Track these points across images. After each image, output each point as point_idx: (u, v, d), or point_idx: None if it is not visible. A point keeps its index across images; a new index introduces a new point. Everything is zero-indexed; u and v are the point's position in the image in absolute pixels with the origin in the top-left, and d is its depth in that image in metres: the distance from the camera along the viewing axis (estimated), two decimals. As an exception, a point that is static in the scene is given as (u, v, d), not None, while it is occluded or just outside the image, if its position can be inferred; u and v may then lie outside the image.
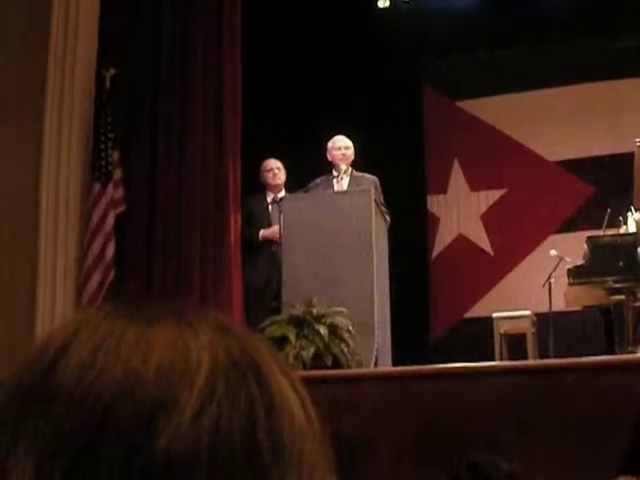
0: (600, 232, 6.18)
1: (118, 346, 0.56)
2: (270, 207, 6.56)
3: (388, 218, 6.08)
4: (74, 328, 0.58)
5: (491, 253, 8.83)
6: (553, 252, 6.91)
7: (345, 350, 5.04)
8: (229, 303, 6.27)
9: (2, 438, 0.54)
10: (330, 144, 6.47)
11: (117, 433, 0.53)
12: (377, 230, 5.68)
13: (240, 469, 0.54)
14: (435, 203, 9.06)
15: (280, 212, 6.03)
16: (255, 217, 6.57)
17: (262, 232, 6.47)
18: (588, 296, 6.19)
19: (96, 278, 5.69)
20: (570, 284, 6.03)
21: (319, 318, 5.10)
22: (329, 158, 6.45)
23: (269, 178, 6.66)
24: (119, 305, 0.61)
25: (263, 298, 6.24)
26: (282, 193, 6.56)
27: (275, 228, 6.34)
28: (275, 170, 6.65)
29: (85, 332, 0.57)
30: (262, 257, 6.42)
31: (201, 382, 0.55)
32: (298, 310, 5.16)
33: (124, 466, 0.52)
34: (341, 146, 6.41)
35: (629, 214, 6.14)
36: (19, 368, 0.57)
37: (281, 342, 4.98)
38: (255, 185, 6.74)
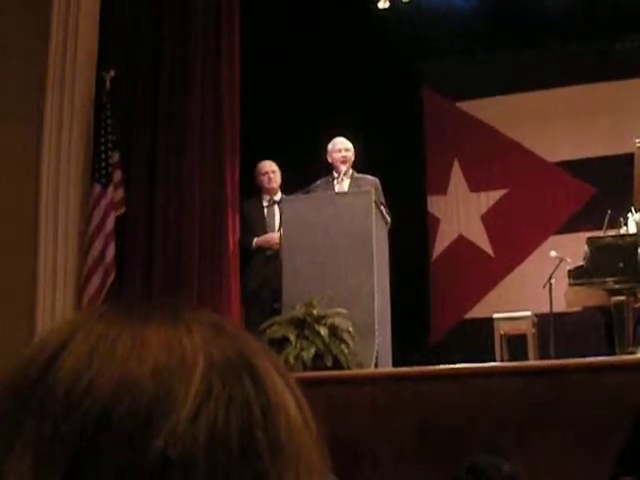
0: (600, 233, 6.18)
1: (114, 347, 0.56)
2: (266, 210, 6.52)
3: (388, 219, 6.08)
4: (69, 330, 0.58)
5: (491, 254, 8.83)
6: (553, 253, 6.91)
7: (345, 351, 5.04)
8: (228, 305, 6.28)
9: None
10: (330, 146, 6.46)
11: (114, 434, 0.53)
12: (377, 231, 5.68)
13: (238, 468, 0.54)
14: (435, 204, 9.07)
15: (280, 213, 6.02)
16: (251, 221, 6.53)
17: (256, 240, 6.42)
18: (588, 297, 6.19)
19: (96, 280, 5.70)
20: (570, 285, 6.03)
21: (319, 319, 5.10)
22: (329, 160, 6.43)
23: (264, 182, 6.59)
24: (114, 306, 0.61)
25: (258, 302, 6.22)
26: (278, 195, 6.53)
27: (268, 236, 6.32)
28: (270, 174, 6.59)
29: (80, 334, 0.57)
30: (256, 261, 6.40)
31: (197, 382, 0.55)
32: (298, 311, 5.16)
33: (122, 467, 0.52)
34: (341, 148, 6.40)
35: (629, 215, 6.14)
36: (14, 370, 0.57)
37: (281, 343, 4.98)
38: (253, 187, 6.73)
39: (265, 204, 6.53)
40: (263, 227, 6.44)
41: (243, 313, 6.40)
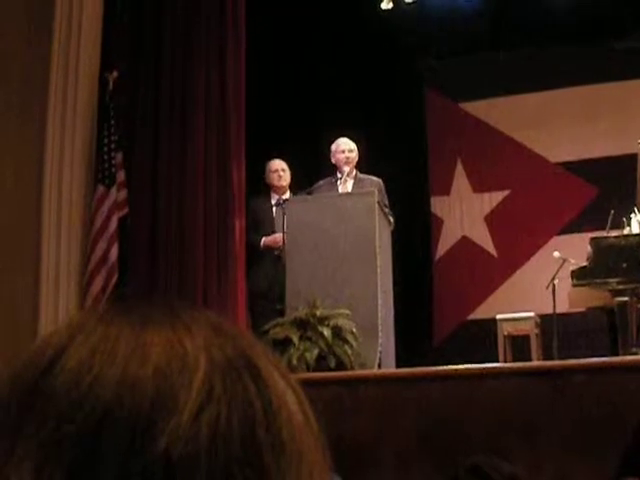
0: (604, 233, 6.17)
1: (115, 348, 0.56)
2: (274, 209, 6.52)
3: (392, 220, 6.08)
4: (70, 332, 0.58)
5: (495, 255, 8.82)
6: (557, 253, 6.90)
7: (349, 352, 5.03)
8: (233, 306, 6.26)
9: (0, 442, 0.54)
10: (334, 147, 6.46)
11: (116, 435, 0.53)
12: (380, 232, 5.68)
13: (240, 468, 0.54)
14: (438, 205, 9.07)
15: (284, 214, 6.02)
16: (258, 219, 6.54)
17: (264, 240, 6.43)
18: (592, 297, 6.18)
19: (99, 281, 5.69)
20: (574, 285, 6.03)
21: (323, 320, 5.10)
22: (333, 161, 6.44)
23: (274, 179, 6.63)
24: (114, 307, 0.61)
25: (266, 302, 6.22)
26: (287, 195, 6.54)
27: (277, 236, 6.30)
28: (280, 172, 6.63)
29: (81, 335, 0.57)
30: (265, 261, 6.40)
31: (199, 382, 0.55)
32: (302, 312, 5.16)
33: (124, 468, 0.52)
34: (345, 149, 6.40)
35: (632, 215, 6.13)
36: (15, 372, 0.57)
37: (285, 344, 4.98)
38: (258, 186, 6.73)
39: (273, 202, 6.52)
40: (271, 227, 6.44)
41: (250, 314, 6.38)
